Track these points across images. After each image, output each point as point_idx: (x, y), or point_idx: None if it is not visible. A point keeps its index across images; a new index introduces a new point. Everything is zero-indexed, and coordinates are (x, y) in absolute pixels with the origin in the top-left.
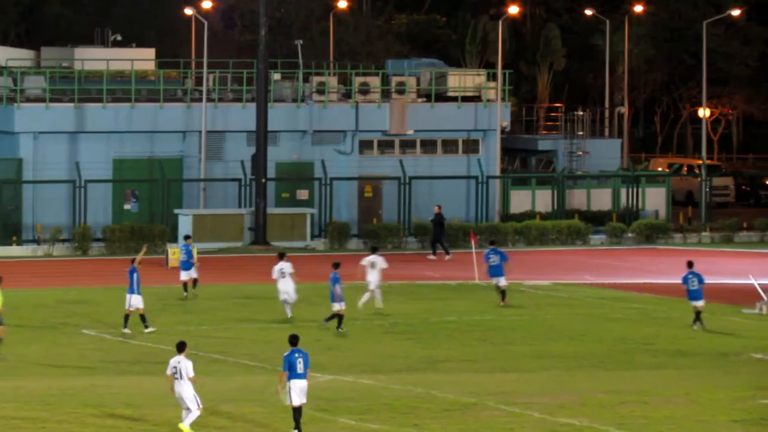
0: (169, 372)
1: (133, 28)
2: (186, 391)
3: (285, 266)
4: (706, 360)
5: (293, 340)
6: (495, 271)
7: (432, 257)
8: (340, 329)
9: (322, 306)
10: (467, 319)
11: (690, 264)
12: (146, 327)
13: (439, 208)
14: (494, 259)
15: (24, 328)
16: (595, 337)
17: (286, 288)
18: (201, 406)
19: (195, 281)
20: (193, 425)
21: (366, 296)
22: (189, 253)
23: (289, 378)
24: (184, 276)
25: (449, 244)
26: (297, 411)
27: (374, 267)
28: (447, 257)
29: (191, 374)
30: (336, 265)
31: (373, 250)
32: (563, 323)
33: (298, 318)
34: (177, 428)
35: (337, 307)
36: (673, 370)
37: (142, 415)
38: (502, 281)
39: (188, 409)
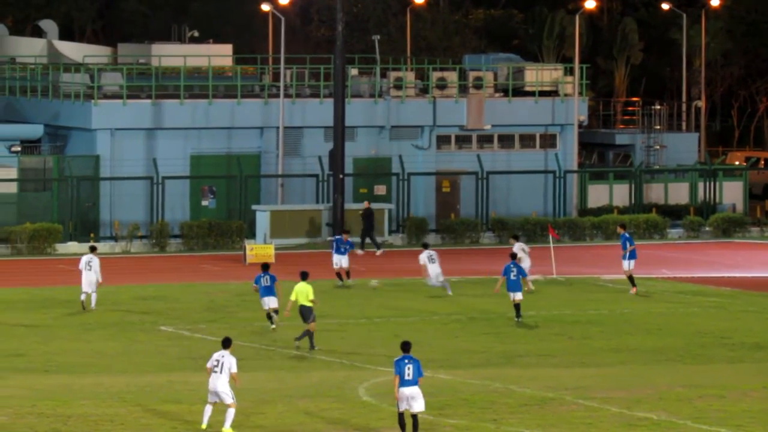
0: (210, 364)
1: (210, 24)
2: (222, 384)
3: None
4: None
5: (405, 347)
6: (514, 286)
7: (378, 252)
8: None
9: (399, 300)
10: (545, 314)
11: None
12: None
13: (369, 203)
14: (514, 273)
15: (102, 325)
16: (672, 331)
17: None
18: (235, 401)
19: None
20: (272, 420)
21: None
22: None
23: (399, 385)
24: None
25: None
26: (401, 418)
27: (434, 261)
28: (378, 252)
29: (234, 370)
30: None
31: (425, 246)
32: (641, 317)
33: (375, 315)
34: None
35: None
36: (750, 364)
37: (220, 411)
38: (519, 296)
39: (226, 405)
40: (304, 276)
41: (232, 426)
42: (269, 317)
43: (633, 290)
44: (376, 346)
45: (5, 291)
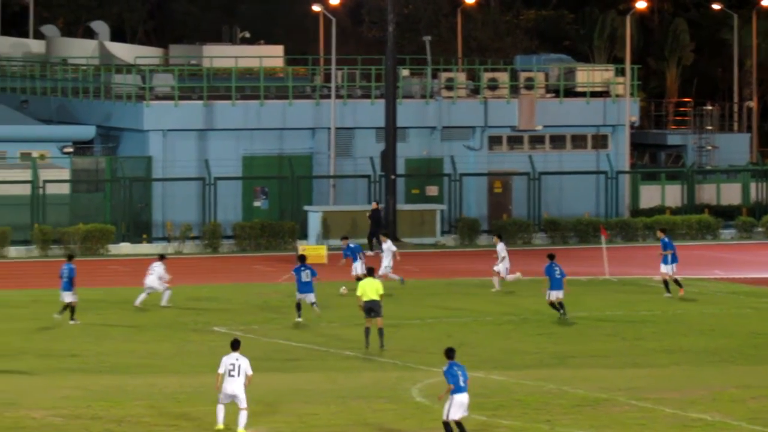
0: (222, 370)
1: (260, 25)
2: (239, 388)
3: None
4: None
5: (450, 354)
6: (558, 285)
7: (371, 253)
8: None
9: (452, 301)
10: (598, 315)
11: None
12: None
13: (377, 203)
14: (558, 272)
15: (155, 326)
16: (725, 331)
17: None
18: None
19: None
20: (325, 420)
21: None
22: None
23: (452, 392)
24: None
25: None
26: (448, 426)
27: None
28: (370, 253)
29: (250, 372)
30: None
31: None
32: (693, 318)
33: (427, 315)
34: None
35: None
36: None
37: (272, 411)
38: (561, 294)
39: (240, 408)
40: (370, 271)
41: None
42: (299, 307)
43: (681, 291)
44: (429, 347)
45: (58, 292)
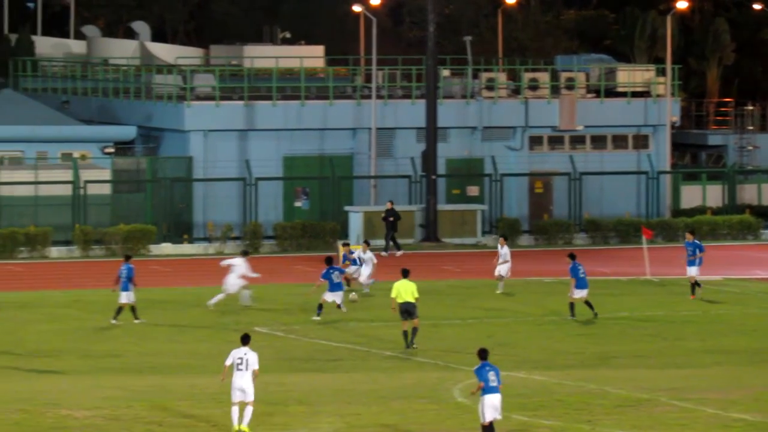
0: (230, 362)
1: (301, 25)
2: (247, 382)
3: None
4: None
5: (483, 354)
6: (583, 284)
7: (398, 253)
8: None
9: (493, 301)
10: (639, 315)
11: None
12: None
13: (392, 203)
14: (582, 271)
15: (196, 327)
16: (767, 332)
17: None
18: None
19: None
20: (367, 420)
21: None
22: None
23: (483, 393)
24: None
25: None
26: (488, 429)
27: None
28: (384, 254)
29: (256, 367)
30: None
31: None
32: (735, 318)
33: (468, 315)
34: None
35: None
36: None
37: (315, 412)
38: (586, 293)
39: (247, 403)
40: (405, 273)
41: (249, 426)
42: (339, 306)
43: (696, 295)
44: (470, 347)
45: (100, 292)
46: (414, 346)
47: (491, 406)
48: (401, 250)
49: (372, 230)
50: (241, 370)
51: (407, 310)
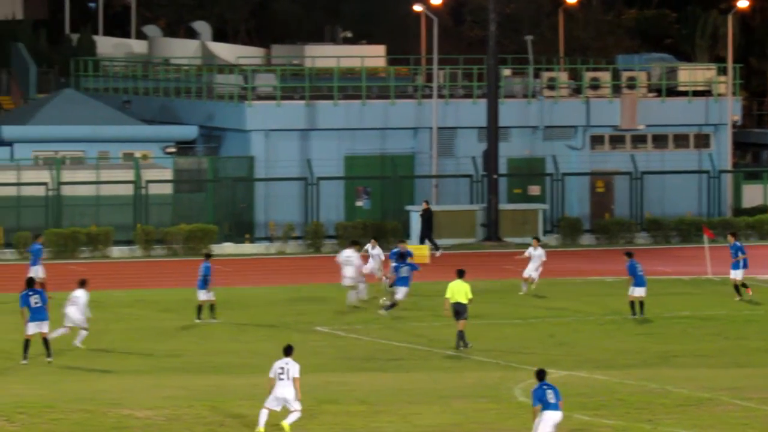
0: (272, 374)
1: (362, 24)
2: (289, 392)
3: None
4: None
5: (540, 375)
6: (641, 282)
7: (437, 253)
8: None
9: (555, 301)
10: (701, 314)
11: None
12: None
13: (427, 203)
14: (640, 269)
15: (258, 326)
16: None
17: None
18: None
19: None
20: (428, 420)
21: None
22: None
23: (543, 409)
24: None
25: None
26: None
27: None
28: (436, 253)
29: (297, 375)
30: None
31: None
32: None
33: (530, 315)
34: (280, 426)
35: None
36: None
37: (376, 411)
38: (644, 292)
39: (294, 410)
40: (460, 274)
41: (291, 426)
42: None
43: (743, 297)
44: (532, 347)
45: (161, 292)
46: (468, 345)
47: (551, 425)
48: (440, 250)
49: (433, 230)
50: (282, 379)
51: (457, 311)
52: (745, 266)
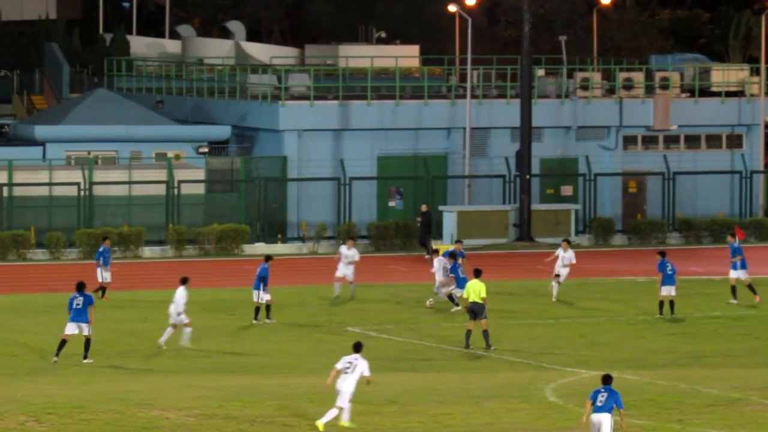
0: (340, 366)
1: (396, 24)
2: (348, 384)
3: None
4: None
5: (606, 380)
6: (669, 281)
7: (428, 256)
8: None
9: (587, 301)
10: (731, 314)
11: None
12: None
13: (427, 206)
14: (670, 268)
15: (290, 326)
16: None
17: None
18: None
19: None
20: (459, 420)
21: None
22: None
23: (590, 410)
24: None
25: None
26: None
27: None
28: (428, 257)
29: (367, 373)
30: None
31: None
32: None
33: (561, 315)
34: (340, 427)
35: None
36: None
37: (407, 412)
38: (674, 291)
39: (341, 406)
40: (477, 273)
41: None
42: (451, 298)
43: (757, 298)
44: (563, 347)
45: (193, 292)
46: (492, 347)
47: (595, 424)
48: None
49: (465, 230)
50: (347, 373)
51: (472, 310)
52: (743, 267)
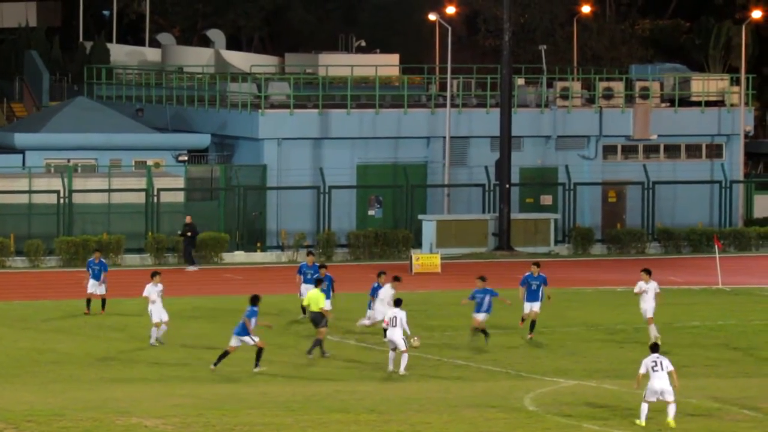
0: (644, 370)
1: (376, 33)
2: (666, 383)
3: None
4: None
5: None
6: (533, 297)
7: (190, 268)
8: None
9: (566, 310)
10: (710, 324)
11: None
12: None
13: (191, 218)
14: (536, 285)
15: (269, 334)
16: None
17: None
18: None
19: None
20: (438, 429)
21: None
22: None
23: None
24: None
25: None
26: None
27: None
28: (190, 268)
29: (671, 368)
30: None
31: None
32: None
33: (539, 324)
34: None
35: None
36: None
37: (386, 420)
38: (537, 308)
39: (668, 402)
40: (317, 283)
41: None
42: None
43: None
44: (541, 356)
45: (171, 300)
46: (311, 356)
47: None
48: (196, 266)
49: (445, 239)
50: (657, 371)
51: (313, 320)
52: None
